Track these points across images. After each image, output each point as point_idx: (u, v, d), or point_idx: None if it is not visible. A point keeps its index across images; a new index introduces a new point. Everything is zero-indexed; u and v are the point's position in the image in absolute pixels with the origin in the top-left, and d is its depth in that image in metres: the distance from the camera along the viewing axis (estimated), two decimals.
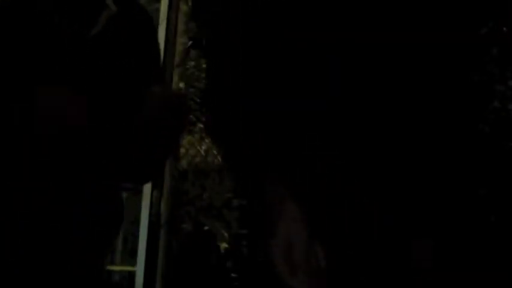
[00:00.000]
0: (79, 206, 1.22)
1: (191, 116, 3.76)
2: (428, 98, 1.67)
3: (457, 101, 1.73)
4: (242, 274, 3.43)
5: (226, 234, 3.61)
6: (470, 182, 1.86)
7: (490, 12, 1.95)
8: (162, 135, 1.22)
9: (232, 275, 3.56)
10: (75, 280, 1.23)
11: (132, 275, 3.65)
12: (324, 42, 1.61)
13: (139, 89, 1.19)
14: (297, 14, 1.64)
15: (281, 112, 1.64)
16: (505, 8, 2.09)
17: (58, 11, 1.23)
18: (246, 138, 1.70)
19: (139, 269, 3.59)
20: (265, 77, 1.66)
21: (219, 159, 3.56)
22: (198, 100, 3.63)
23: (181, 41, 3.67)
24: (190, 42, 3.69)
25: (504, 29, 2.15)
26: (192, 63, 3.67)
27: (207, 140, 3.62)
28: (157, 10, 3.66)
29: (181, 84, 3.45)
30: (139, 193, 3.65)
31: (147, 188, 3.63)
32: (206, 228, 3.67)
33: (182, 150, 3.71)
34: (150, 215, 3.65)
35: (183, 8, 3.66)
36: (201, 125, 3.68)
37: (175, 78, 3.47)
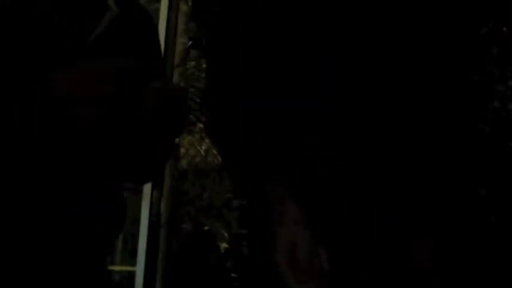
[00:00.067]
0: (79, 206, 1.22)
1: (191, 116, 3.76)
2: (429, 98, 1.67)
3: (457, 101, 1.73)
4: (242, 274, 3.44)
5: (226, 234, 3.60)
6: (471, 182, 1.86)
7: (490, 12, 1.94)
8: (163, 133, 1.22)
9: (232, 275, 3.56)
10: (75, 280, 1.23)
11: (132, 275, 3.65)
12: (324, 42, 1.61)
13: (140, 88, 1.19)
14: (297, 14, 1.64)
15: (281, 112, 1.64)
16: (505, 8, 2.09)
17: (58, 11, 1.23)
18: (246, 138, 1.69)
19: (139, 269, 3.59)
20: (265, 77, 1.66)
21: (219, 159, 3.57)
22: (198, 100, 3.64)
23: (181, 41, 3.67)
24: (190, 42, 3.69)
25: (504, 29, 2.15)
26: (192, 63, 3.67)
27: (207, 140, 3.63)
28: (157, 10, 3.65)
29: (182, 84, 3.45)
30: (139, 193, 3.65)
31: (147, 188, 3.63)
32: (206, 228, 3.67)
33: (182, 150, 3.71)
34: (150, 215, 3.64)
35: (183, 8, 3.65)
36: (201, 125, 3.68)
37: (175, 78, 3.47)
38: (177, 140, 3.84)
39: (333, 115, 1.62)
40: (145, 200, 3.66)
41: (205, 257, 3.74)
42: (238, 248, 3.61)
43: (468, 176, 1.79)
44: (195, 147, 3.70)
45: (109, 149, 1.21)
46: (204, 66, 3.65)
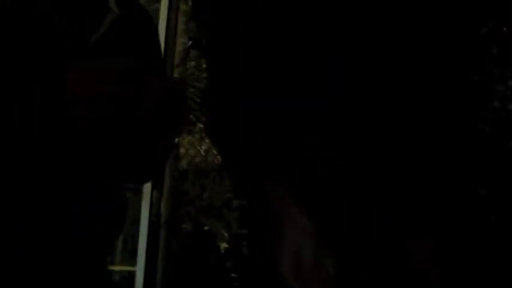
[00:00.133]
0: (79, 206, 1.22)
1: (191, 116, 3.76)
2: (429, 98, 1.67)
3: (458, 101, 1.73)
4: (242, 274, 3.44)
5: (226, 234, 3.61)
6: (471, 182, 1.85)
7: (490, 12, 1.94)
8: (163, 133, 1.22)
9: (232, 275, 3.56)
10: (75, 280, 1.23)
11: (132, 275, 3.65)
12: (324, 42, 1.61)
13: (140, 88, 1.19)
14: (297, 14, 1.64)
15: (281, 112, 1.64)
16: (505, 8, 2.09)
17: (58, 11, 1.23)
18: (246, 138, 1.70)
19: (139, 269, 3.59)
20: (265, 77, 1.66)
21: (219, 159, 3.57)
22: (198, 100, 3.64)
23: (181, 41, 3.67)
24: (190, 42, 3.69)
25: (504, 29, 2.15)
26: (192, 63, 3.67)
27: (207, 140, 3.63)
28: (157, 10, 3.66)
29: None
30: (139, 193, 3.65)
31: (147, 188, 3.63)
32: (206, 228, 3.67)
33: (182, 150, 3.71)
34: (150, 215, 3.65)
35: (183, 8, 3.66)
36: (201, 125, 3.68)
37: None
38: (177, 140, 3.84)
39: (333, 115, 1.62)
40: (145, 200, 3.66)
41: (205, 257, 3.74)
42: (238, 248, 3.61)
43: (468, 176, 1.79)
44: (195, 147, 3.70)
45: (109, 149, 1.21)
46: (204, 66, 3.65)
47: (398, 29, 1.63)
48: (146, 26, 1.40)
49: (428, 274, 1.67)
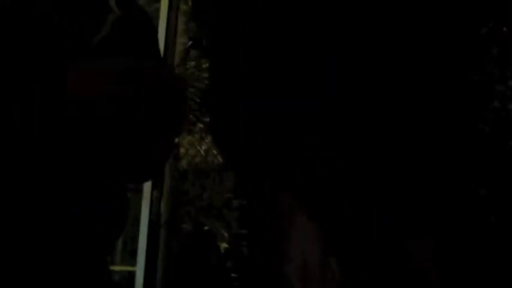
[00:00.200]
0: (79, 206, 1.22)
1: (191, 116, 3.76)
2: (429, 98, 1.67)
3: (457, 101, 1.73)
4: (242, 274, 3.44)
5: (226, 234, 3.61)
6: (470, 182, 1.86)
7: (490, 12, 1.94)
8: (163, 133, 1.22)
9: (232, 275, 3.56)
10: (75, 280, 1.23)
11: (132, 275, 3.65)
12: (324, 42, 1.61)
13: (140, 88, 1.19)
14: (297, 14, 1.64)
15: (281, 112, 1.64)
16: (505, 8, 2.09)
17: (58, 11, 1.23)
18: (246, 138, 1.70)
19: (139, 269, 3.59)
20: (265, 77, 1.66)
21: (219, 159, 3.57)
22: (198, 100, 3.64)
23: (181, 41, 3.67)
24: (190, 42, 3.69)
25: (504, 29, 2.15)
26: (192, 63, 3.67)
27: (207, 140, 3.63)
28: (157, 10, 3.65)
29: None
30: (139, 193, 3.65)
31: (147, 188, 3.63)
32: (206, 228, 3.67)
33: (182, 150, 3.71)
34: (150, 214, 3.64)
35: (183, 8, 3.66)
36: (201, 125, 3.68)
37: None
38: (177, 140, 3.84)
39: (333, 115, 1.62)
40: (145, 200, 3.66)
41: (205, 257, 3.74)
42: (238, 248, 3.61)
43: (468, 176, 1.79)
44: (195, 147, 3.70)
45: (109, 149, 1.21)
46: (204, 66, 3.65)
47: (398, 29, 1.63)
48: (146, 26, 1.40)
49: (428, 274, 1.67)
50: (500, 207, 2.51)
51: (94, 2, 1.28)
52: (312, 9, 1.64)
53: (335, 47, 1.62)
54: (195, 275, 3.72)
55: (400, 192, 1.63)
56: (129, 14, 1.32)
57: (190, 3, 3.73)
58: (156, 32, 1.43)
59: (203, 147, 3.68)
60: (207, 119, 3.67)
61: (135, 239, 3.69)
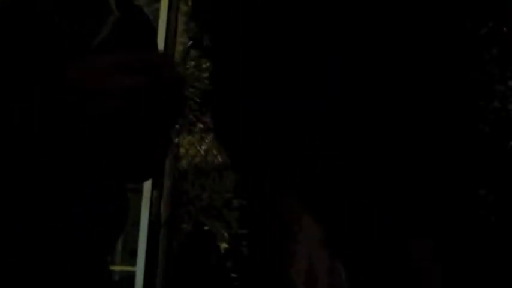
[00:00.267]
0: (79, 206, 1.21)
1: (191, 116, 3.76)
2: (429, 98, 1.67)
3: (457, 101, 1.73)
4: (242, 274, 3.44)
5: (226, 234, 3.61)
6: (471, 182, 1.85)
7: (490, 12, 1.94)
8: (163, 132, 1.21)
9: (232, 275, 3.56)
10: (75, 280, 1.23)
11: (132, 275, 3.65)
12: (324, 42, 1.61)
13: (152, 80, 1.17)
14: (297, 14, 1.64)
15: (281, 112, 1.64)
16: (505, 8, 2.09)
17: (58, 11, 1.23)
18: (246, 138, 1.69)
19: (139, 269, 3.59)
20: (265, 77, 1.66)
21: (219, 159, 3.57)
22: (198, 100, 3.64)
23: (181, 41, 3.67)
24: (190, 42, 3.69)
25: (504, 29, 2.15)
26: (192, 63, 3.67)
27: (207, 140, 3.63)
28: (157, 10, 3.66)
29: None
30: (139, 192, 3.65)
31: (147, 188, 3.63)
32: (206, 228, 3.67)
33: (182, 150, 3.71)
34: (150, 215, 3.65)
35: (183, 8, 3.66)
36: (201, 125, 3.68)
37: None
38: (177, 140, 3.84)
39: (333, 115, 1.62)
40: (145, 200, 3.66)
41: (205, 257, 3.74)
42: (238, 248, 3.61)
43: (468, 176, 1.79)
44: (195, 147, 3.70)
45: (109, 148, 1.20)
46: (204, 66, 3.65)
47: (398, 29, 1.63)
48: (146, 28, 1.40)
49: (428, 274, 1.67)
50: (500, 207, 2.51)
51: (94, 3, 1.28)
52: (312, 9, 1.64)
53: (335, 47, 1.61)
54: (195, 275, 3.72)
55: (400, 192, 1.63)
56: (129, 15, 1.32)
57: (190, 3, 3.73)
58: (155, 33, 1.43)
59: (203, 147, 3.68)
60: (207, 119, 3.68)
61: (135, 239, 3.69)
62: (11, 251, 1.17)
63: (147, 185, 3.67)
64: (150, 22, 1.44)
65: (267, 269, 1.72)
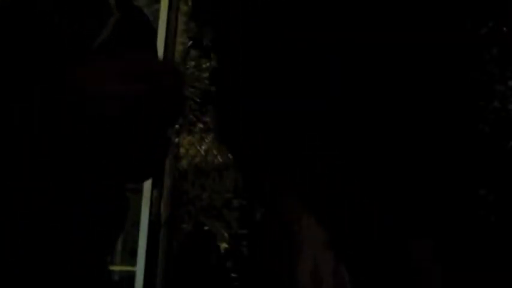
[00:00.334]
0: (79, 206, 1.22)
1: (191, 116, 3.76)
2: (429, 98, 1.67)
3: (458, 101, 1.73)
4: (242, 274, 3.44)
5: (226, 234, 3.61)
6: (470, 182, 1.86)
7: (490, 12, 1.95)
8: (163, 132, 1.22)
9: (232, 275, 3.56)
10: (75, 280, 1.23)
11: (132, 275, 3.65)
12: (324, 42, 1.61)
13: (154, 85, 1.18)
14: (297, 14, 1.64)
15: (281, 112, 1.65)
16: (505, 8, 2.10)
17: (58, 11, 1.23)
18: (246, 138, 1.70)
19: (139, 269, 3.60)
20: (265, 77, 1.66)
21: (219, 159, 3.57)
22: (198, 100, 3.64)
23: (181, 41, 3.67)
24: (190, 42, 3.69)
25: (504, 29, 2.15)
26: (192, 63, 3.67)
27: (207, 140, 3.63)
28: (158, 10, 3.66)
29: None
30: (139, 192, 3.65)
31: (147, 188, 3.64)
32: (206, 228, 3.67)
33: (182, 150, 3.71)
34: (150, 215, 3.65)
35: (183, 8, 3.66)
36: (201, 125, 3.68)
37: None
38: (177, 140, 3.85)
39: (333, 115, 1.62)
40: (145, 200, 3.66)
41: (205, 257, 3.74)
42: (238, 248, 3.61)
43: (468, 176, 1.79)
44: (195, 147, 3.70)
45: (109, 148, 1.21)
46: (204, 66, 3.65)
47: (398, 29, 1.63)
48: (146, 28, 1.40)
49: (428, 274, 1.67)
50: (500, 207, 2.51)
51: (95, 3, 1.28)
52: (312, 9, 1.64)
53: (335, 47, 1.61)
54: (195, 275, 3.72)
55: (400, 192, 1.63)
56: (129, 15, 1.32)
57: (190, 3, 3.73)
58: (155, 34, 1.43)
59: (203, 147, 3.68)
60: (207, 119, 3.67)
61: (135, 239, 3.69)
62: (11, 251, 1.17)
63: (147, 185, 3.67)
64: (150, 23, 1.45)
65: (267, 269, 1.72)
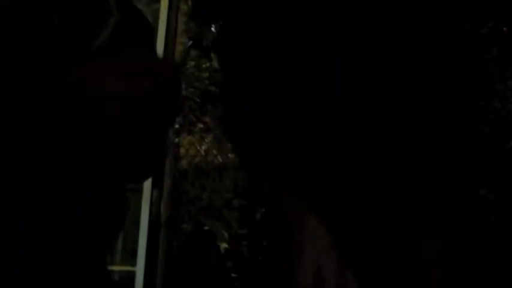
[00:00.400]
0: (79, 206, 1.22)
1: (191, 116, 3.76)
2: (429, 98, 1.67)
3: (458, 101, 1.73)
4: (242, 274, 3.44)
5: (226, 234, 3.61)
6: (471, 182, 1.86)
7: (490, 12, 1.95)
8: (162, 132, 1.22)
9: (232, 275, 3.56)
10: (75, 280, 1.23)
11: (132, 275, 3.65)
12: (324, 42, 1.61)
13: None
14: (297, 14, 1.64)
15: (281, 112, 1.64)
16: (505, 8, 2.09)
17: (58, 11, 1.23)
18: (246, 138, 1.70)
19: (139, 269, 3.60)
20: (265, 77, 1.66)
21: (219, 159, 3.57)
22: (198, 100, 3.64)
23: (181, 41, 3.67)
24: (190, 42, 3.69)
25: (504, 29, 2.15)
26: (192, 63, 3.67)
27: (207, 140, 3.63)
28: (157, 10, 3.66)
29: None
30: (139, 192, 3.65)
31: (147, 188, 3.64)
32: (206, 228, 3.67)
33: (182, 150, 3.71)
34: (150, 214, 3.65)
35: (183, 8, 3.66)
36: (201, 125, 3.68)
37: None
38: (177, 140, 3.85)
39: (333, 115, 1.62)
40: (145, 200, 3.66)
41: (205, 257, 3.74)
42: (238, 248, 3.61)
43: (468, 176, 1.79)
44: (195, 147, 3.70)
45: (109, 148, 1.21)
46: (204, 66, 3.65)
47: (398, 29, 1.63)
48: (145, 29, 1.40)
49: (429, 274, 1.66)
50: (500, 207, 2.51)
51: (95, 3, 1.28)
52: (312, 9, 1.64)
53: (335, 47, 1.61)
54: (195, 275, 3.72)
55: (400, 192, 1.63)
56: (129, 16, 1.32)
57: (190, 3, 3.73)
58: (154, 35, 1.44)
59: (203, 147, 3.68)
60: (207, 119, 3.67)
61: (135, 239, 3.69)
62: (11, 251, 1.17)
63: (147, 185, 3.67)
64: (149, 23, 1.45)
65: (267, 269, 1.72)
